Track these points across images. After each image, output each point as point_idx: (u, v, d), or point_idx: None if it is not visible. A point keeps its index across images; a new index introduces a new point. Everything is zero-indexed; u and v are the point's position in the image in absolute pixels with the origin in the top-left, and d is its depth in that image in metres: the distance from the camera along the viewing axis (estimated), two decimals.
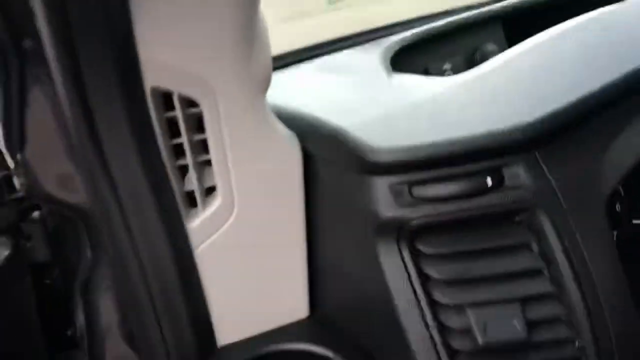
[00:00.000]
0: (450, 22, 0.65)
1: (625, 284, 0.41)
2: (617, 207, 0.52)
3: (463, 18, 0.66)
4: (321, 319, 0.50)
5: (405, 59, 0.55)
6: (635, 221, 0.53)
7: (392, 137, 0.41)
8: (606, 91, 0.42)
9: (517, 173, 0.40)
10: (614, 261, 0.41)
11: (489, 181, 0.40)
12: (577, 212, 0.41)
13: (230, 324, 0.48)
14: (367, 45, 0.61)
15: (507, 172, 0.40)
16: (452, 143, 0.40)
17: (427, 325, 0.41)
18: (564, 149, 0.41)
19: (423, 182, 0.40)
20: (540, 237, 0.41)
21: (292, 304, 0.50)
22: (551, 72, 0.46)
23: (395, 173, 0.40)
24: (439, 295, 0.41)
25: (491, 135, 0.39)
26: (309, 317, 0.50)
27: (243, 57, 0.40)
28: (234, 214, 0.45)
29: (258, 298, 0.48)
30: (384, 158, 0.40)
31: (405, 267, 0.41)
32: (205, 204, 0.44)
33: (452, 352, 0.41)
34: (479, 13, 0.68)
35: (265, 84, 0.43)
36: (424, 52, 0.57)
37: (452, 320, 0.41)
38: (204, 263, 0.45)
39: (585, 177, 0.41)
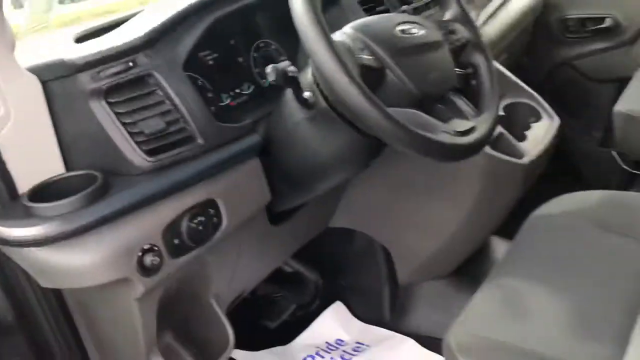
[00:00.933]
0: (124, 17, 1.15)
1: (203, 105, 0.96)
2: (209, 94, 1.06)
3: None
4: None
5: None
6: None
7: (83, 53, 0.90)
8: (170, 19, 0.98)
9: (143, 60, 0.93)
10: (196, 97, 0.95)
11: (130, 64, 0.92)
12: (172, 72, 0.95)
13: None
14: None
15: (138, 60, 0.93)
16: (110, 48, 0.91)
17: (124, 136, 0.89)
18: (161, 45, 0.96)
19: (107, 68, 0.89)
20: (161, 86, 0.93)
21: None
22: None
23: (86, 69, 0.89)
24: (127, 119, 0.90)
25: (126, 44, 0.92)
26: None
27: None
28: (11, 119, 0.86)
29: None
30: (79, 61, 0.89)
31: (107, 112, 0.89)
32: None
33: (139, 142, 0.90)
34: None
35: (12, 46, 0.85)
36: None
37: (135, 128, 0.90)
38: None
39: (173, 58, 0.96)
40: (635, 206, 1.12)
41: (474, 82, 1.02)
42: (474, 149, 0.92)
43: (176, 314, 1.07)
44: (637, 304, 0.91)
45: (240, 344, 1.44)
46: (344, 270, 1.63)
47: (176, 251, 0.91)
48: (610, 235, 1.05)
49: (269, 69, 0.87)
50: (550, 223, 1.10)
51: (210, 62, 1.11)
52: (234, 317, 1.15)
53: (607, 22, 1.96)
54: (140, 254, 0.86)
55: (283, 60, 0.94)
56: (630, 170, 1.80)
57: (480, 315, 0.92)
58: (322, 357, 1.50)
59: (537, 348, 0.84)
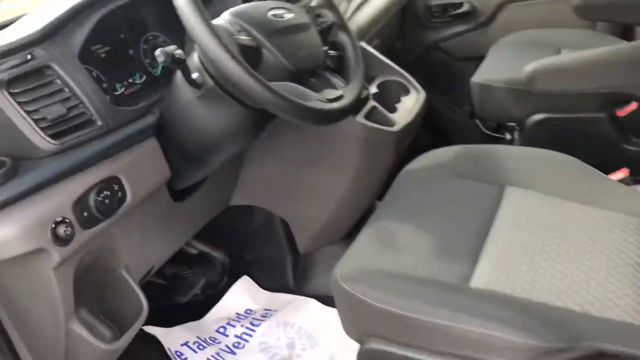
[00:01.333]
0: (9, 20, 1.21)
1: (100, 92, 1.06)
2: (104, 85, 1.15)
3: None
4: None
5: None
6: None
7: None
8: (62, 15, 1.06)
9: (40, 53, 1.02)
10: (93, 84, 1.05)
11: (29, 57, 0.98)
12: (68, 63, 1.03)
13: None
14: None
15: (36, 53, 1.01)
16: (8, 43, 0.99)
17: (28, 123, 0.97)
18: (56, 39, 1.05)
19: (6, 62, 0.97)
20: (59, 76, 1.02)
21: None
22: None
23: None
24: (29, 107, 0.98)
25: (22, 39, 1.01)
26: None
27: None
28: None
29: None
30: None
31: (9, 102, 0.97)
32: None
33: (43, 128, 0.98)
34: None
35: None
36: None
37: (38, 115, 0.98)
38: None
39: (68, 50, 1.05)
40: (485, 156, 1.33)
41: (344, 61, 1.18)
42: (343, 113, 1.07)
43: (90, 289, 1.16)
44: (485, 232, 1.10)
45: (154, 321, 1.53)
46: (247, 246, 1.76)
47: (86, 223, 1.00)
48: (466, 180, 1.24)
49: (157, 52, 0.98)
50: (416, 175, 1.29)
51: (103, 55, 1.21)
52: (146, 296, 1.24)
53: (465, 7, 2.22)
54: (53, 225, 0.95)
55: None
56: (491, 134, 2.06)
57: (360, 253, 1.08)
58: (234, 326, 1.62)
59: (406, 271, 1.01)
